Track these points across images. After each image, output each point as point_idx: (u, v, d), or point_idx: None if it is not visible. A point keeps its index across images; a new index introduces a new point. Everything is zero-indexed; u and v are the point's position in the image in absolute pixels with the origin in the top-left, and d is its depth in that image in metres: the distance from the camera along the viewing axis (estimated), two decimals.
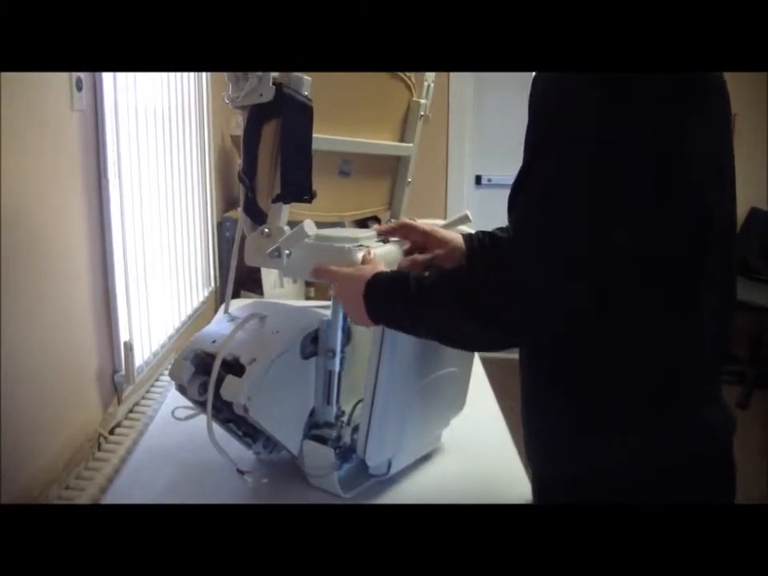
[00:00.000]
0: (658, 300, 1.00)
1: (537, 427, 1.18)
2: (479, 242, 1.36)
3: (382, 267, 1.20)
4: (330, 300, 1.37)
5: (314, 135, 1.23)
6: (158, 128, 2.32)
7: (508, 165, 5.13)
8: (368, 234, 1.36)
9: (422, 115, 1.56)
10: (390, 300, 1.11)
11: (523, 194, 1.00)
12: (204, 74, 2.88)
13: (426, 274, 1.08)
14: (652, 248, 0.95)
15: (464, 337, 1.07)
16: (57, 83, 1.66)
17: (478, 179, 4.47)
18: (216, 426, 1.31)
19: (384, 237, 1.38)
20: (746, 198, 4.34)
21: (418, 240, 1.38)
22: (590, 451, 1.09)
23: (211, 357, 1.30)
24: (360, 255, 1.25)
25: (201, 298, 2.90)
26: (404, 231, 1.38)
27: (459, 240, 1.36)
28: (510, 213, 1.05)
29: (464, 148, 4.38)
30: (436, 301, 1.05)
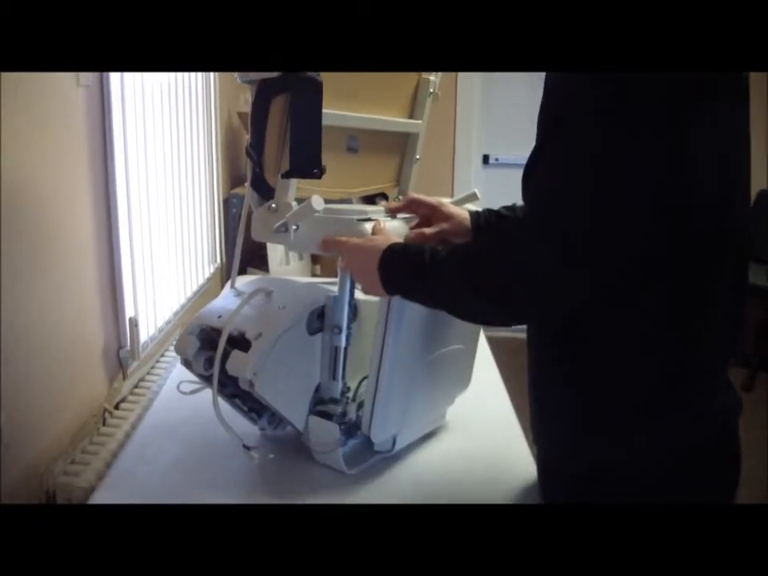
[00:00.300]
0: (669, 291, 1.00)
1: (546, 410, 1.19)
2: (485, 219, 1.36)
3: (395, 238, 1.20)
4: (336, 277, 1.36)
5: (323, 111, 1.22)
6: (165, 105, 2.31)
7: (516, 145, 5.16)
8: (376, 209, 1.35)
9: (431, 92, 1.55)
10: (405, 271, 1.11)
11: (533, 177, 0.99)
12: None
13: (440, 247, 1.08)
14: (662, 239, 0.95)
15: (473, 311, 1.08)
16: None
17: (486, 158, 4.45)
18: (221, 402, 1.31)
19: (392, 213, 1.37)
20: (754, 182, 4.30)
21: (426, 213, 1.37)
22: (600, 438, 1.09)
23: (217, 332, 1.29)
24: (369, 227, 1.25)
25: (207, 275, 2.90)
26: (413, 206, 1.38)
27: (465, 216, 1.36)
28: (523, 193, 1.04)
29: (472, 127, 4.36)
30: (448, 275, 1.05)
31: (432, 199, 1.37)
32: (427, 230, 1.34)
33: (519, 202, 1.16)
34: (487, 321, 1.14)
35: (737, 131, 1.01)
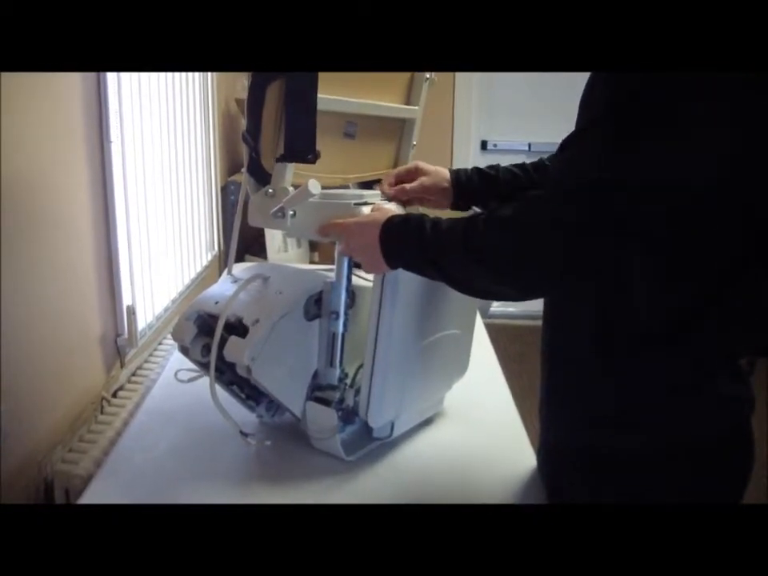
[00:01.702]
0: (693, 276, 1.00)
1: (561, 397, 1.19)
2: (466, 176, 1.39)
3: (395, 211, 1.20)
4: (334, 264, 1.36)
5: (319, 96, 1.21)
6: (162, 91, 2.30)
7: (514, 130, 5.14)
8: (373, 193, 1.35)
9: (428, 78, 1.54)
10: (407, 242, 1.11)
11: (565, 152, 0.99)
12: None
13: (443, 218, 1.09)
14: (688, 223, 0.96)
15: (475, 286, 1.08)
16: None
17: (484, 144, 4.43)
18: (219, 389, 1.31)
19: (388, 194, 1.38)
20: None
21: (404, 177, 1.41)
22: (616, 425, 1.10)
23: (214, 318, 1.29)
24: (366, 210, 1.25)
25: (204, 262, 2.89)
26: (398, 182, 1.40)
27: (445, 171, 1.40)
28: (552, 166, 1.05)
29: (470, 113, 4.34)
30: (450, 247, 1.05)
31: (409, 164, 1.41)
32: (408, 185, 1.37)
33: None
34: (491, 293, 1.11)
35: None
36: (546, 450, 1.30)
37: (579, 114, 0.99)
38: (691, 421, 1.06)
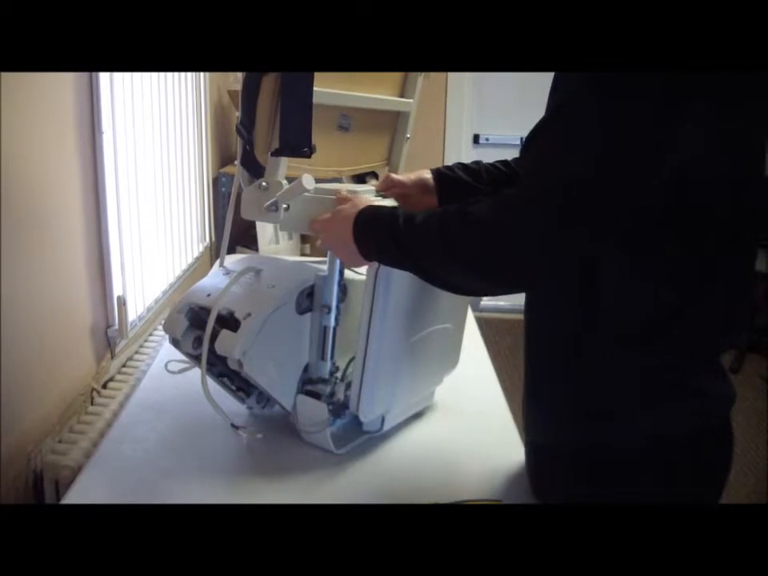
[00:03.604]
0: (667, 271, 0.99)
1: (540, 394, 1.18)
2: (448, 169, 1.38)
3: (362, 203, 1.17)
4: (326, 256, 1.36)
5: (314, 89, 1.20)
6: (154, 81, 2.29)
7: (506, 124, 5.13)
8: (366, 189, 1.35)
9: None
10: (380, 236, 1.08)
11: (532, 147, 0.98)
12: None
13: (415, 211, 1.06)
14: (660, 217, 0.95)
15: (448, 279, 1.04)
16: None
17: (476, 138, 4.44)
18: (209, 381, 1.31)
19: (383, 192, 1.37)
20: None
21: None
22: (593, 422, 1.10)
23: (206, 311, 1.29)
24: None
25: (196, 254, 2.88)
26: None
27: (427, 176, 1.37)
28: (521, 161, 1.03)
29: (463, 106, 4.34)
30: (423, 239, 1.02)
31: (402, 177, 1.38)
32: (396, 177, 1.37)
33: None
34: (463, 288, 1.08)
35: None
36: (529, 448, 1.30)
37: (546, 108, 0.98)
38: (670, 417, 1.05)
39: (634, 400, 1.06)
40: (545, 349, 1.16)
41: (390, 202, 1.33)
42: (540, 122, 0.96)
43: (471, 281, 1.02)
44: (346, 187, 1.31)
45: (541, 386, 1.18)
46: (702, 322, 1.02)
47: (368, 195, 1.31)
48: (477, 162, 1.38)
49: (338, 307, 1.34)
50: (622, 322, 1.02)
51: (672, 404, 1.05)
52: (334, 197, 1.25)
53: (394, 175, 1.37)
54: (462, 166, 1.37)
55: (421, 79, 1.54)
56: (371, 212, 1.12)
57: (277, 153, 1.22)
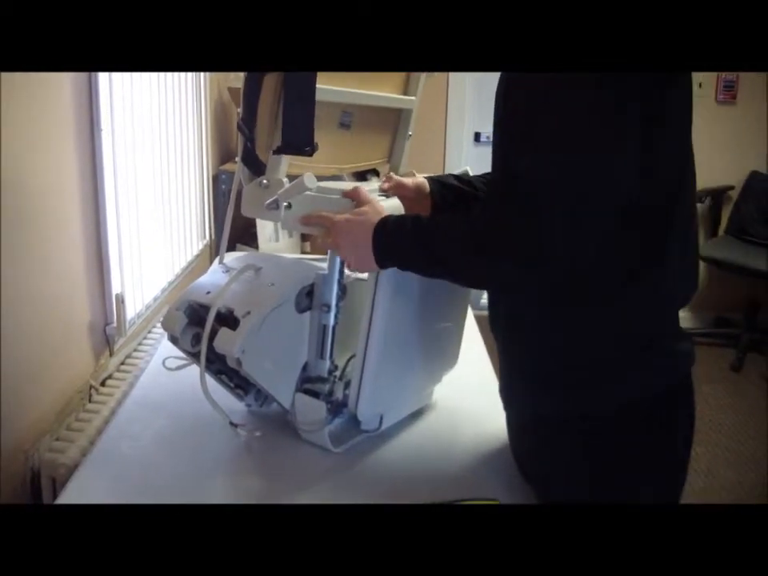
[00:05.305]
0: (631, 248, 1.04)
1: (514, 363, 1.23)
2: (442, 178, 1.41)
3: (384, 210, 1.19)
4: (326, 254, 1.35)
5: (316, 86, 1.20)
6: (153, 78, 2.28)
7: None
8: (369, 188, 1.34)
9: None
10: (402, 237, 1.11)
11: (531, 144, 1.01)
12: None
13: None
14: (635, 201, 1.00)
15: (476, 275, 1.09)
16: None
17: (477, 136, 4.43)
18: (208, 378, 1.30)
19: (387, 192, 1.36)
20: (747, 162, 4.33)
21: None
22: (564, 387, 1.14)
23: (205, 308, 1.28)
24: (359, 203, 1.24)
25: (195, 251, 2.88)
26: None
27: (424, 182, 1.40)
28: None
29: (464, 104, 4.33)
30: (450, 238, 1.06)
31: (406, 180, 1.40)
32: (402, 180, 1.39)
33: None
34: (490, 283, 1.15)
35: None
36: (510, 426, 1.35)
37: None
38: (643, 374, 1.10)
39: (604, 357, 1.10)
40: (516, 313, 1.18)
41: (393, 202, 1.32)
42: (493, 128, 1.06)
43: (506, 272, 1.04)
44: (348, 186, 1.30)
45: (513, 353, 1.22)
46: (663, 280, 1.08)
47: (372, 195, 1.30)
48: (466, 174, 1.42)
49: (337, 306, 1.34)
50: (592, 282, 1.06)
51: (644, 360, 1.10)
52: (335, 196, 1.25)
53: (397, 177, 1.39)
54: (455, 177, 1.41)
55: (424, 78, 1.53)
56: (396, 221, 1.14)
57: (279, 151, 1.22)
